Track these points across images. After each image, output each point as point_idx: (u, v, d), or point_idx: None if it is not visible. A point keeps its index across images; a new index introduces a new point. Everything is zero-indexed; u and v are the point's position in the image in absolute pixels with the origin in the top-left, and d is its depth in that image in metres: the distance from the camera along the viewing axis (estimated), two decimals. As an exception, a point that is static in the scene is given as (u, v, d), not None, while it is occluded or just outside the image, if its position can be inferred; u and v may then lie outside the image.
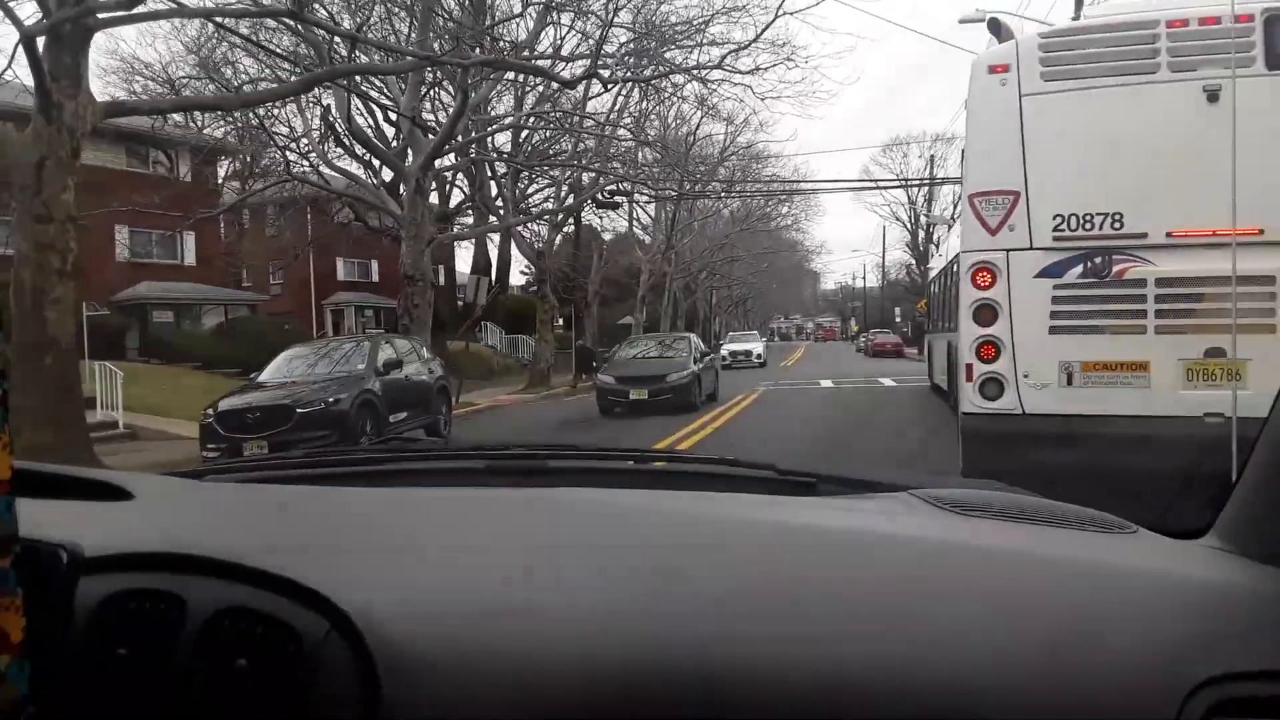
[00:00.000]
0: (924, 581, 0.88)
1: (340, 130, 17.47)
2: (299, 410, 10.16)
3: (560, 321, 38.13)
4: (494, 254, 38.23)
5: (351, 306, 41.62)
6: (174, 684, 0.80)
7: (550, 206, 25.76)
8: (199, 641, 0.82)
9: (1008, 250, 5.32)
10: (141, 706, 0.80)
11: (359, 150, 19.89)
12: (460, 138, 18.76)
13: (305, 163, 19.53)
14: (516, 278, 43.53)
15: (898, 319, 66.49)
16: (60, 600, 0.81)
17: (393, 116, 18.53)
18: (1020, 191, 5.25)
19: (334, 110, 17.15)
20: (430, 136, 17.14)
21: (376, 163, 20.63)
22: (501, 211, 24.94)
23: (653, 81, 17.91)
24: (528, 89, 24.54)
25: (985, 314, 5.32)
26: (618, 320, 45.68)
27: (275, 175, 19.92)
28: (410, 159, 17.58)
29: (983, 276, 5.34)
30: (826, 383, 23.04)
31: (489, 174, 24.59)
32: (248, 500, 1.23)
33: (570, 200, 24.29)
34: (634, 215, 39.37)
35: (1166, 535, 1.07)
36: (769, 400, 18.10)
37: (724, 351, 35.12)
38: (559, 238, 25.87)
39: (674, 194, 31.37)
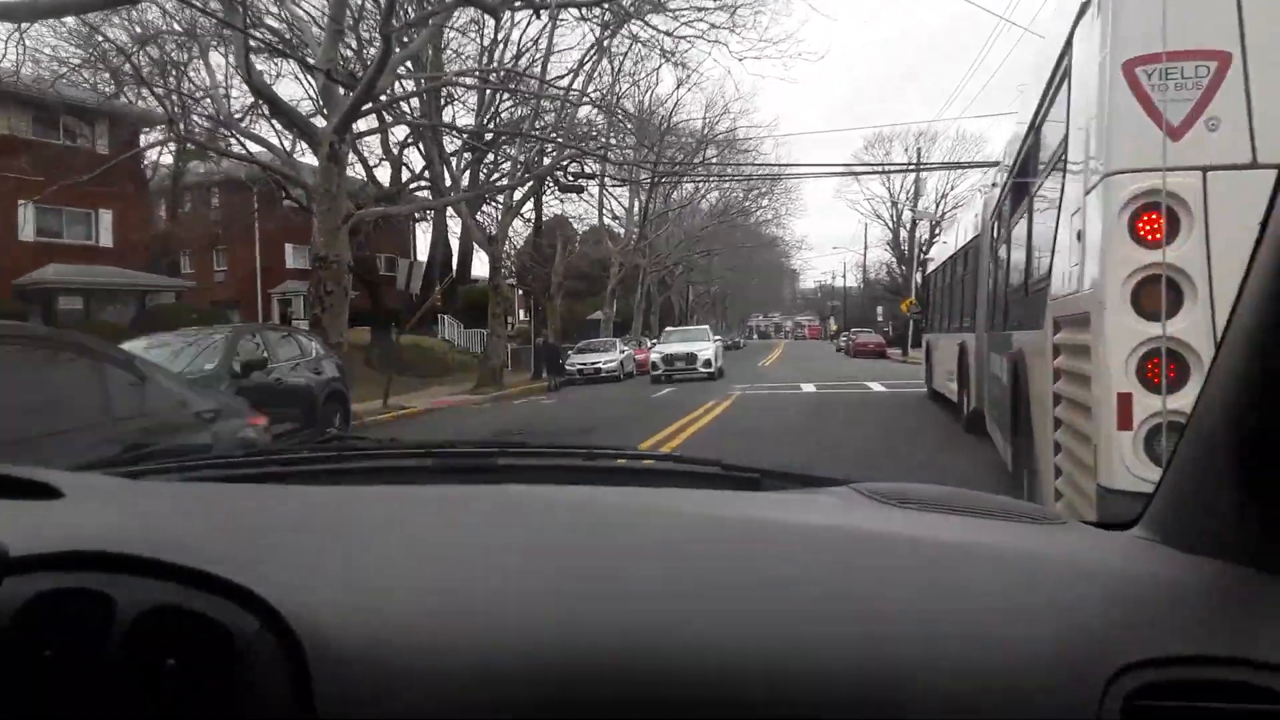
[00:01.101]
0: (859, 570, 0.90)
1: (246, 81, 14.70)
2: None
3: (524, 315, 35.42)
4: (456, 244, 35.66)
5: (300, 296, 38.60)
6: (102, 684, 0.79)
7: (505, 185, 23.05)
8: (127, 641, 0.80)
9: (1204, 168, 2.77)
10: (68, 707, 0.79)
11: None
12: (387, 96, 16.12)
13: (213, 126, 16.75)
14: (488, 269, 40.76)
15: (879, 318, 64.64)
16: None
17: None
18: (1231, 54, 2.71)
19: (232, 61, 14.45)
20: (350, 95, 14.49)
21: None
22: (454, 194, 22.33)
23: (598, 13, 15.20)
24: (491, 69, 21.88)
25: (1155, 295, 2.71)
26: (587, 315, 43.13)
27: (176, 138, 17.12)
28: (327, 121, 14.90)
29: (1151, 223, 2.77)
30: (808, 387, 20.54)
31: (438, 150, 21.86)
32: (183, 498, 1.18)
33: (527, 180, 21.58)
34: (604, 204, 36.61)
35: (1097, 527, 1.10)
36: (740, 411, 15.54)
37: (654, 357, 24.85)
38: (515, 222, 23.16)
39: (647, 176, 28.87)
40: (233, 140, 18.56)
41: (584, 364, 26.71)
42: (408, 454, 1.52)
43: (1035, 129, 4.97)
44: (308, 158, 19.08)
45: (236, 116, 18.10)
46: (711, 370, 24.25)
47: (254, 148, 17.64)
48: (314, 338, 10.93)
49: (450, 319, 34.37)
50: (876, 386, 20.08)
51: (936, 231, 57.60)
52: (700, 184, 41.44)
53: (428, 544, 0.95)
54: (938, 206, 58.57)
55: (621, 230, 38.63)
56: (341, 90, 15.04)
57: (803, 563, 0.90)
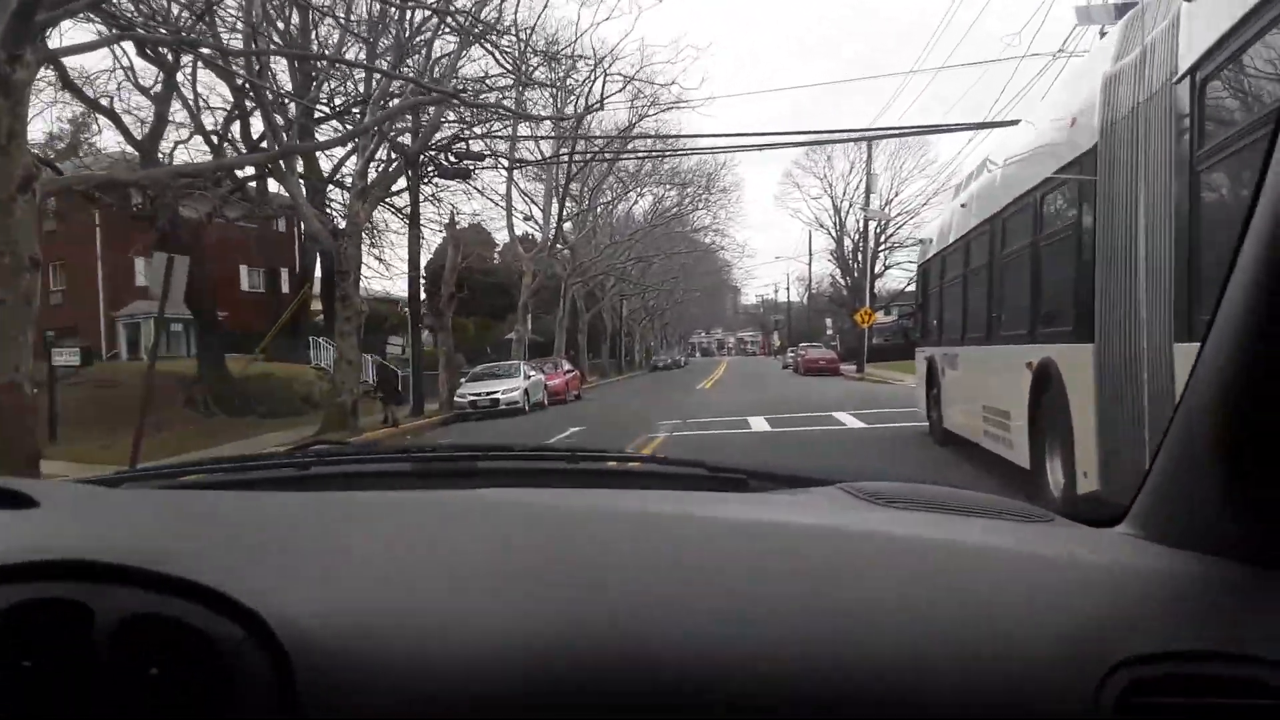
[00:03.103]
0: (848, 569, 0.89)
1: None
2: None
3: (426, 335, 29.72)
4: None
5: (152, 319, 32.49)
6: (84, 694, 0.78)
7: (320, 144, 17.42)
8: (109, 650, 0.79)
9: None
10: (51, 718, 0.78)
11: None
12: None
13: None
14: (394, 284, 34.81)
15: (829, 330, 60.10)
16: None
17: None
18: None
19: None
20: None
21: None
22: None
23: None
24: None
25: None
26: (506, 334, 37.62)
27: None
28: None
29: None
30: (759, 423, 15.35)
31: (268, 119, 16.29)
32: (163, 506, 1.14)
33: (351, 140, 15.97)
34: (516, 202, 31.06)
35: (1084, 524, 1.08)
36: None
37: None
38: (364, 207, 17.50)
39: (555, 149, 23.59)
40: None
41: (477, 394, 21.20)
42: (386, 459, 1.54)
43: None
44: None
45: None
46: None
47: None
48: None
49: (325, 341, 28.52)
50: (849, 420, 14.98)
51: (882, 238, 53.46)
52: (628, 178, 36.38)
53: (407, 549, 0.93)
54: (884, 208, 54.30)
55: (539, 235, 33.26)
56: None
57: (791, 562, 0.89)
